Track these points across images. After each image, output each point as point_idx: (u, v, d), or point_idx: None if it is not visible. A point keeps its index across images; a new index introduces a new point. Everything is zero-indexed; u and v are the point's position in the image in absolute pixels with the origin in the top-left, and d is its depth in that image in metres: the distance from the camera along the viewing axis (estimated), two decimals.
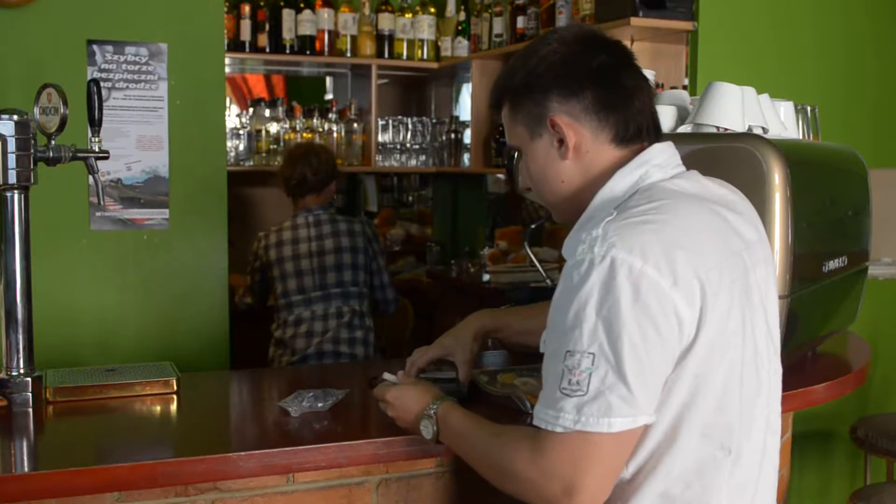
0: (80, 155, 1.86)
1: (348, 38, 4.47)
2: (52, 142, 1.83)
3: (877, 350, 3.01)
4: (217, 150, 3.02)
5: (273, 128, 4.52)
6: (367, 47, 4.51)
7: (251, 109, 4.60)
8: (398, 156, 4.81)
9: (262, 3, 4.33)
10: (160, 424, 1.80)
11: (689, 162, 1.46)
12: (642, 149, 1.40)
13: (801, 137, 2.30)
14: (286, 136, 4.52)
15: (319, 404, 1.72)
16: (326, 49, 4.42)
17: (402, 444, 1.57)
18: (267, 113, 4.57)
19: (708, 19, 3.09)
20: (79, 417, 1.75)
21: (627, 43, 2.53)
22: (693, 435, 1.28)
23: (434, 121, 4.97)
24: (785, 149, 1.81)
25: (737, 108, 1.90)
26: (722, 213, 1.38)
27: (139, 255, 2.90)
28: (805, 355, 2.18)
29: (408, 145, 4.82)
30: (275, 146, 4.50)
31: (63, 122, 1.81)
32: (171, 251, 2.93)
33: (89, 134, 1.88)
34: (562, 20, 3.46)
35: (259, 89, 5.03)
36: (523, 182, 1.51)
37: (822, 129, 2.39)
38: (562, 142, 1.40)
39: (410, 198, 5.72)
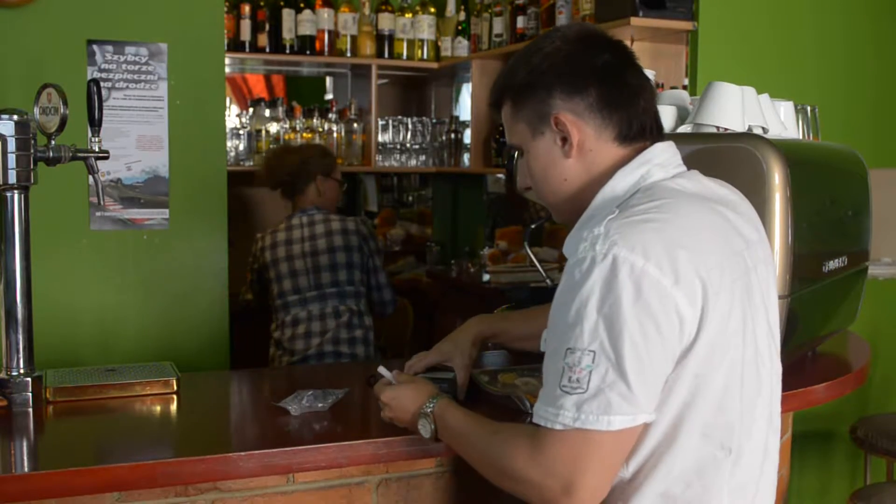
0: (80, 155, 1.86)
1: (348, 38, 4.46)
2: (52, 142, 1.82)
3: (877, 350, 3.01)
4: (217, 150, 3.02)
5: (273, 128, 4.51)
6: (367, 47, 4.51)
7: (251, 109, 4.60)
8: (398, 156, 4.80)
9: (262, 3, 4.33)
10: (160, 424, 1.80)
11: (690, 162, 1.46)
12: (644, 148, 1.40)
13: (801, 137, 2.30)
14: (286, 136, 4.51)
15: (319, 404, 1.71)
16: (326, 49, 4.41)
17: (402, 444, 1.57)
18: (267, 113, 4.56)
19: (708, 19, 3.09)
20: (79, 417, 1.75)
21: (627, 43, 2.53)
22: (693, 435, 1.28)
23: (434, 121, 4.96)
24: (785, 149, 1.81)
25: (737, 108, 1.90)
26: (723, 213, 1.38)
27: (139, 255, 2.90)
28: (805, 355, 2.18)
29: (408, 145, 4.82)
30: (275, 146, 4.49)
31: (63, 122, 1.81)
32: (171, 251, 2.93)
33: (89, 134, 1.88)
34: (562, 20, 3.46)
35: (259, 89, 5.03)
36: (522, 181, 1.50)
37: (822, 129, 2.39)
38: (565, 140, 1.40)
39: (410, 198, 5.72)
